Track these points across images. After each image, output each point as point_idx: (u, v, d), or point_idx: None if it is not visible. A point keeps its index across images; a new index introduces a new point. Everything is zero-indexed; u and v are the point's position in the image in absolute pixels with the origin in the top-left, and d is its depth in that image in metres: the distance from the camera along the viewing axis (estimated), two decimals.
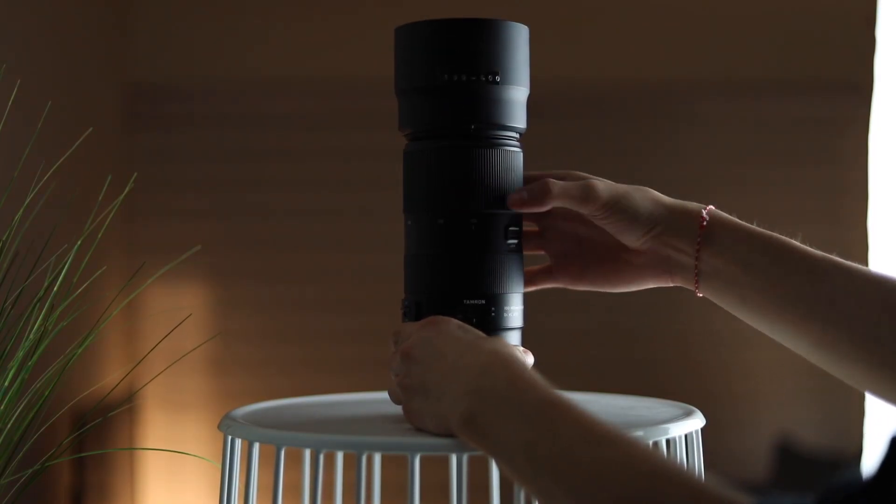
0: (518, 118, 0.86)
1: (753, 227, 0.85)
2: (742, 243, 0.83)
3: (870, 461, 2.51)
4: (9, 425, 0.87)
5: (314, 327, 2.65)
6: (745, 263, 0.83)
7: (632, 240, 0.86)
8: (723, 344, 2.61)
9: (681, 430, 0.78)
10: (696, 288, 0.86)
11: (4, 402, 0.87)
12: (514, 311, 0.85)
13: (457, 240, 0.84)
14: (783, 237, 0.84)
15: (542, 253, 0.92)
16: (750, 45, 2.69)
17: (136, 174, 1.24)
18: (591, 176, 0.88)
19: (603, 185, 0.85)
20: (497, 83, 0.84)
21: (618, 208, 0.84)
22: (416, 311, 0.85)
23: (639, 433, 0.74)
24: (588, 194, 0.84)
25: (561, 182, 0.85)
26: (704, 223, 0.84)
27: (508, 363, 0.70)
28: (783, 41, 2.69)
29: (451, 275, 0.84)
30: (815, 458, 2.57)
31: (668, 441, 0.77)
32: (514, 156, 0.86)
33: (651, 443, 0.75)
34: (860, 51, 2.64)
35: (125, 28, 2.61)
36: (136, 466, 2.57)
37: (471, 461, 0.74)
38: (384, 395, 0.99)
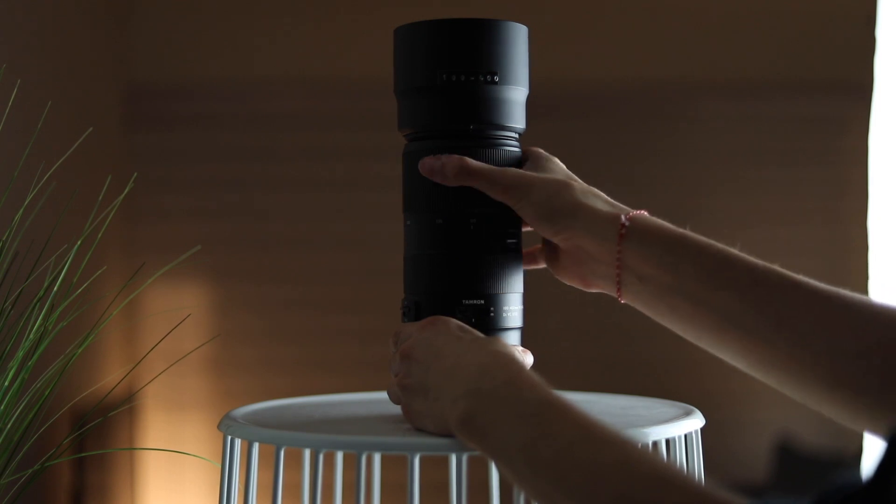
0: (517, 118, 0.86)
1: (684, 230, 0.80)
2: (669, 250, 0.78)
3: (870, 461, 2.52)
4: (9, 425, 0.87)
5: (314, 327, 2.65)
6: (674, 272, 0.78)
7: (546, 234, 0.83)
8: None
9: (680, 430, 0.78)
10: (619, 296, 0.82)
11: (4, 402, 0.87)
12: (514, 311, 0.85)
13: (455, 240, 0.84)
14: (719, 245, 0.78)
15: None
16: (750, 45, 2.69)
17: (136, 174, 1.24)
18: (549, 158, 0.85)
19: (513, 173, 0.82)
20: (495, 83, 0.84)
21: (523, 200, 0.81)
22: (415, 311, 0.85)
23: (639, 433, 0.74)
24: (495, 180, 0.82)
25: (478, 164, 0.82)
26: (624, 229, 0.79)
27: (507, 364, 0.70)
28: (783, 41, 2.69)
29: (450, 275, 0.84)
30: (815, 458, 2.57)
31: (667, 441, 0.77)
32: (513, 155, 0.86)
33: (651, 443, 0.75)
34: (860, 51, 2.64)
35: (125, 28, 2.61)
36: (136, 466, 2.57)
37: (471, 461, 0.74)
38: (384, 395, 0.99)
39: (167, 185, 2.63)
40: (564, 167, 0.87)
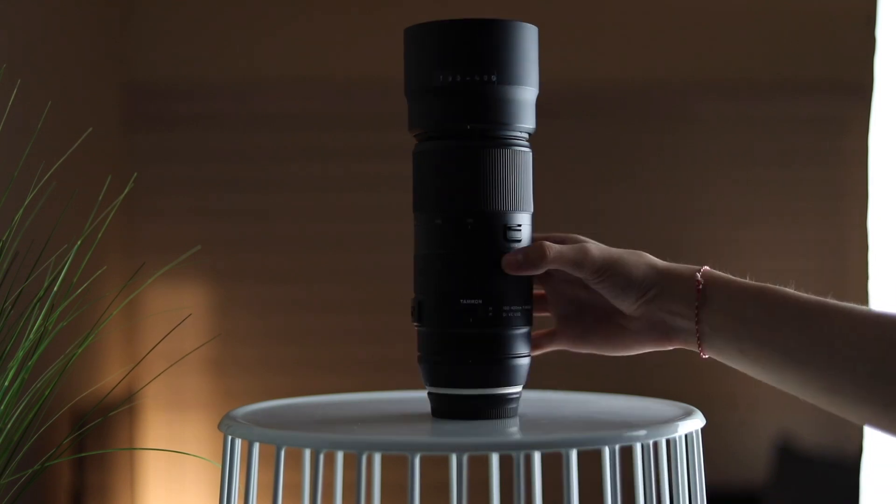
0: (526, 118, 0.86)
1: (746, 280, 0.86)
2: (737, 299, 0.84)
3: (870, 461, 2.52)
4: (9, 425, 0.87)
5: (314, 327, 2.65)
6: (741, 318, 0.83)
7: (625, 305, 0.87)
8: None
9: (681, 430, 0.78)
10: (701, 350, 0.87)
11: (4, 402, 0.87)
12: (518, 312, 0.85)
13: (453, 240, 0.84)
14: (776, 287, 0.84)
15: (549, 315, 0.92)
16: (750, 45, 2.69)
17: (136, 174, 1.24)
18: (587, 239, 0.89)
19: (597, 249, 0.86)
20: (506, 83, 0.84)
21: (610, 273, 0.85)
22: (418, 310, 0.85)
23: (639, 433, 0.74)
24: (583, 259, 0.85)
25: (557, 246, 0.85)
26: (700, 286, 0.85)
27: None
28: (783, 41, 2.69)
29: (448, 275, 0.84)
30: (815, 458, 2.57)
31: (668, 441, 0.77)
32: (518, 155, 0.86)
33: (651, 443, 0.75)
34: (860, 51, 2.64)
35: (125, 28, 2.61)
36: (136, 466, 2.57)
37: (471, 461, 0.74)
38: (384, 395, 0.99)
39: (167, 185, 2.63)
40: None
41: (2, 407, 0.86)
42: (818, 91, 2.69)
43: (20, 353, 0.89)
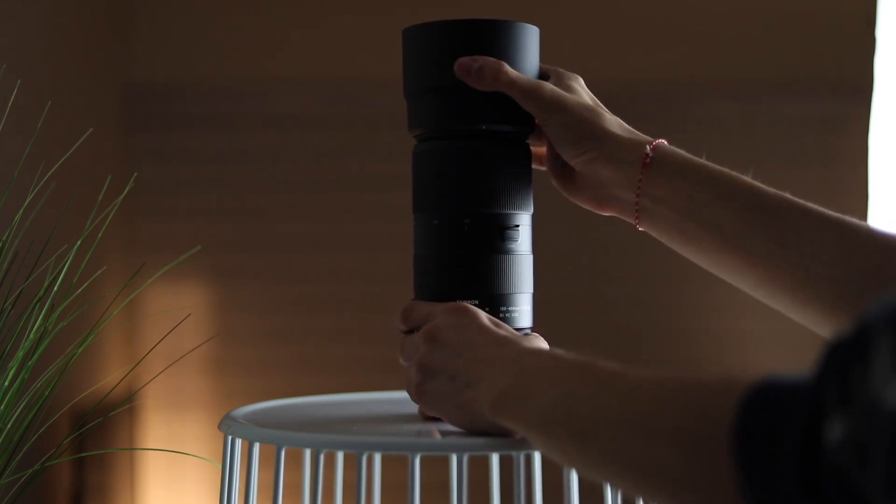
0: (525, 117, 0.86)
1: (701, 160, 0.83)
2: (686, 177, 0.81)
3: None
4: (9, 425, 0.87)
5: (314, 327, 2.65)
6: (688, 197, 0.81)
7: (565, 155, 0.85)
8: (724, 344, 2.61)
9: None
10: (637, 222, 0.84)
11: (4, 402, 0.87)
12: (515, 312, 0.85)
13: (450, 240, 0.84)
14: (733, 172, 0.81)
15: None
16: (750, 45, 2.69)
17: (136, 174, 1.24)
18: (576, 83, 0.87)
19: (551, 91, 0.83)
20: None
21: (552, 119, 0.83)
22: None
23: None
24: (532, 93, 0.83)
25: (514, 73, 0.83)
26: (648, 158, 0.82)
27: (549, 350, 0.71)
28: (783, 41, 2.69)
29: (446, 275, 0.85)
30: None
31: None
32: (517, 155, 0.86)
33: None
34: (860, 51, 2.64)
35: (125, 28, 2.61)
36: (136, 466, 2.57)
37: (471, 461, 0.74)
38: (384, 395, 0.99)
39: (167, 185, 2.63)
40: (587, 90, 0.88)
41: (2, 407, 0.86)
42: (818, 91, 2.69)
43: (20, 353, 0.89)
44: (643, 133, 0.87)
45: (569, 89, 0.86)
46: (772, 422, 0.49)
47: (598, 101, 0.88)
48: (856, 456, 0.43)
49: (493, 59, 0.83)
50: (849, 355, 0.46)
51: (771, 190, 0.80)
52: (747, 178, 0.81)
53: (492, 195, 0.84)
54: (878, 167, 2.65)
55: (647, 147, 0.83)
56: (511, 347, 0.73)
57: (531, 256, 0.87)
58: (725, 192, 0.80)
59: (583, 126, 0.83)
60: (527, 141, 0.88)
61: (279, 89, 2.66)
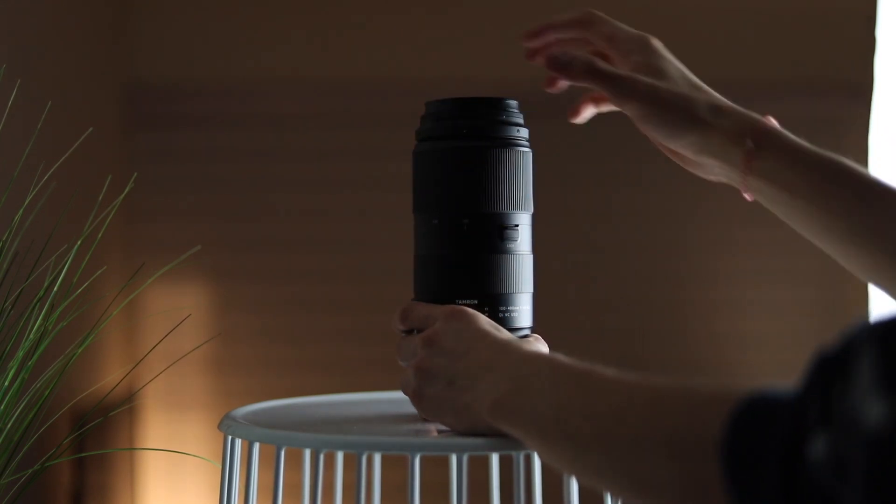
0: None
1: (804, 144, 0.86)
2: (792, 167, 0.84)
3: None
4: (9, 425, 0.87)
5: (314, 327, 2.65)
6: (794, 189, 0.84)
7: (670, 146, 0.88)
8: (725, 345, 2.61)
9: None
10: (745, 193, 0.87)
11: (4, 402, 0.87)
12: (514, 312, 0.85)
13: (449, 240, 0.84)
14: (834, 156, 0.85)
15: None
16: (750, 45, 2.69)
17: (136, 174, 1.24)
18: (660, 54, 0.88)
19: (644, 86, 0.84)
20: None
21: (651, 116, 0.85)
22: None
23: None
24: (626, 89, 0.84)
25: (606, 67, 0.84)
26: (751, 153, 0.84)
27: (550, 355, 0.72)
28: (783, 41, 2.69)
29: (444, 275, 0.85)
30: None
31: None
32: (517, 155, 0.86)
33: None
34: (860, 51, 2.64)
35: (125, 28, 2.61)
36: (136, 466, 2.57)
37: (471, 461, 0.74)
38: (384, 395, 0.99)
39: (167, 185, 2.63)
40: (683, 68, 0.88)
41: (2, 407, 0.86)
42: (818, 91, 2.69)
43: (20, 353, 0.89)
44: None
45: (660, 73, 0.86)
46: (757, 437, 0.50)
47: (692, 78, 0.88)
48: (836, 472, 0.45)
49: (584, 54, 0.83)
50: (832, 371, 0.47)
51: (870, 176, 0.83)
52: (847, 162, 0.84)
53: (491, 195, 0.84)
54: (878, 167, 2.65)
55: (749, 141, 0.84)
56: (510, 352, 0.73)
57: (531, 256, 0.87)
58: (829, 178, 0.83)
59: (680, 121, 0.84)
60: (527, 141, 0.88)
61: (280, 89, 2.66)
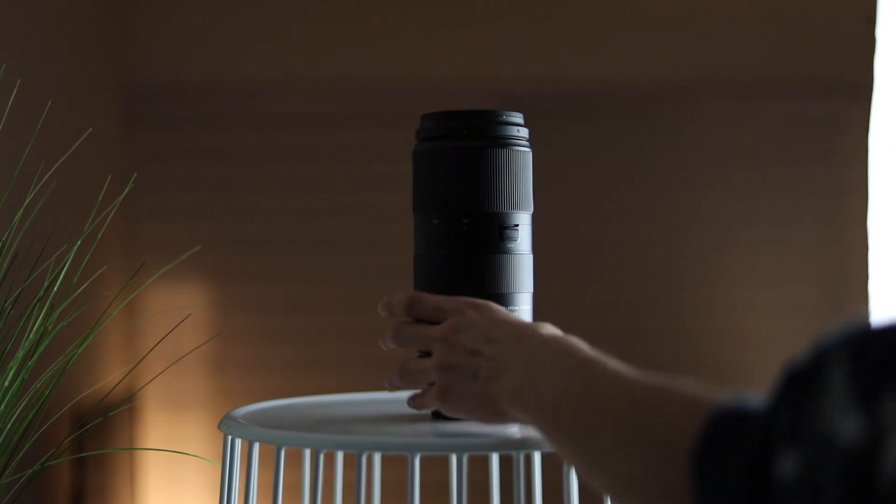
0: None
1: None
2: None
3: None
4: (9, 425, 0.87)
5: (314, 327, 2.65)
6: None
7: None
8: (725, 345, 2.61)
9: None
10: None
11: (4, 402, 0.87)
12: (515, 311, 0.85)
13: (448, 240, 0.84)
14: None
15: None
16: (750, 45, 2.69)
17: (136, 174, 1.24)
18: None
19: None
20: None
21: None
22: None
23: None
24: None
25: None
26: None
27: (560, 341, 0.71)
28: (783, 41, 2.69)
29: (444, 274, 0.85)
30: None
31: None
32: (516, 155, 0.86)
33: None
34: (860, 51, 2.64)
35: (125, 28, 2.61)
36: (136, 466, 2.57)
37: (471, 461, 0.74)
38: (384, 395, 0.99)
39: (167, 185, 2.63)
40: None
41: (2, 407, 0.86)
42: (818, 91, 2.69)
43: (20, 353, 0.89)
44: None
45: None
46: (726, 452, 0.50)
47: None
48: (806, 488, 0.44)
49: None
50: (802, 386, 0.46)
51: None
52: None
53: (490, 195, 0.84)
54: (878, 167, 2.65)
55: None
56: (526, 338, 0.73)
57: (531, 256, 0.87)
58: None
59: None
60: (527, 141, 0.88)
61: (279, 89, 2.66)
